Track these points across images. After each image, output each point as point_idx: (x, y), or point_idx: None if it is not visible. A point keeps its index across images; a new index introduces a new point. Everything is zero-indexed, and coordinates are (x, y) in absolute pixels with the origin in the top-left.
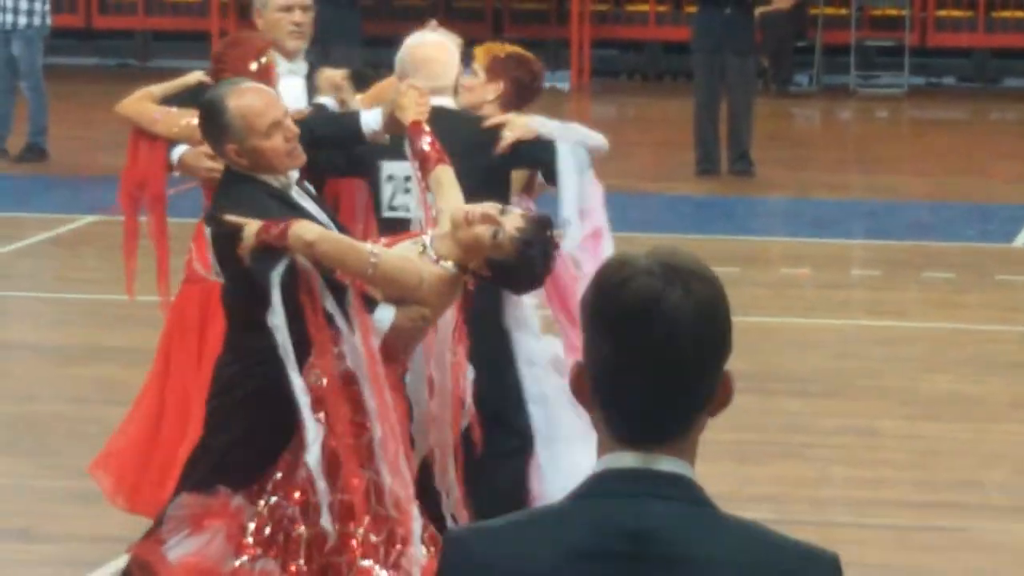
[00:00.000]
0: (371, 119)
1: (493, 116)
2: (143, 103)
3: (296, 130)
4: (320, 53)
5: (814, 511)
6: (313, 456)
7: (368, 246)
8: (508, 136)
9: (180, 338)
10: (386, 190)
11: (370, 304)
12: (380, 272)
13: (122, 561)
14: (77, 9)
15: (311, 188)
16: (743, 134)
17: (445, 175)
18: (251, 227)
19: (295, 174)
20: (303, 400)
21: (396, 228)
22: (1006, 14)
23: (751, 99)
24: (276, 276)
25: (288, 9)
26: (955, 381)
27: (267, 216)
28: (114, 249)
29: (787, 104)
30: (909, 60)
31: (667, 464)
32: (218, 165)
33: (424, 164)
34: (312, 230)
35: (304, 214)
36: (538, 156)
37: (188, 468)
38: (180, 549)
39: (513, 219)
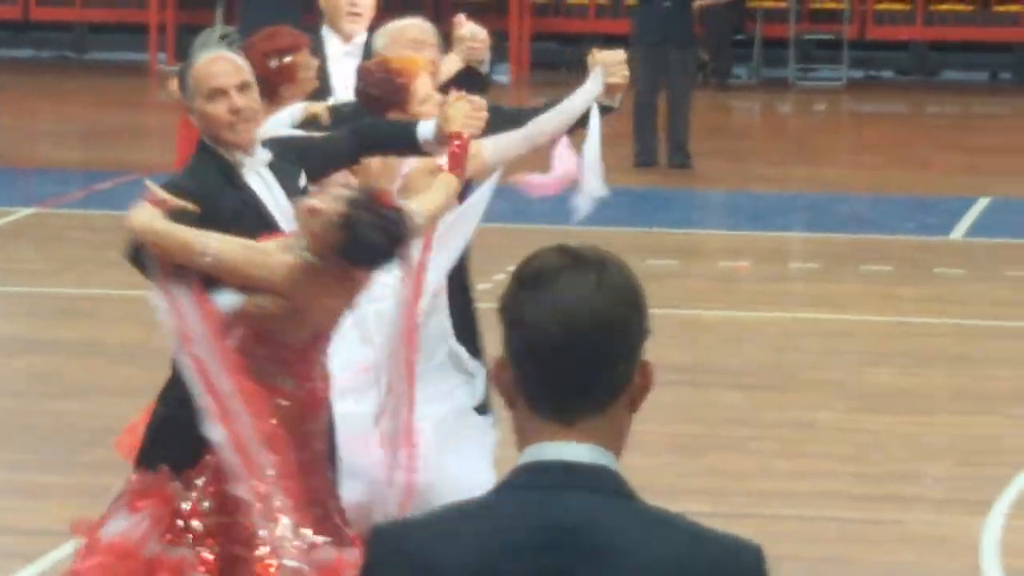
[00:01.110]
0: (426, 129)
1: None
2: None
3: (241, 106)
4: None
5: (753, 504)
6: (217, 436)
7: (208, 237)
8: None
9: None
10: None
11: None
12: (217, 262)
13: (61, 553)
14: (15, 0)
15: (292, 174)
16: (682, 127)
17: (439, 182)
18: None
19: (260, 154)
20: (194, 382)
21: None
22: (944, 7)
23: (690, 92)
24: (139, 256)
25: None
26: (894, 374)
27: (204, 188)
28: (53, 241)
29: (726, 97)
30: (848, 53)
31: (590, 455)
32: None
33: (438, 169)
34: (142, 217)
35: (244, 196)
36: None
37: (141, 441)
38: (112, 528)
39: (333, 201)
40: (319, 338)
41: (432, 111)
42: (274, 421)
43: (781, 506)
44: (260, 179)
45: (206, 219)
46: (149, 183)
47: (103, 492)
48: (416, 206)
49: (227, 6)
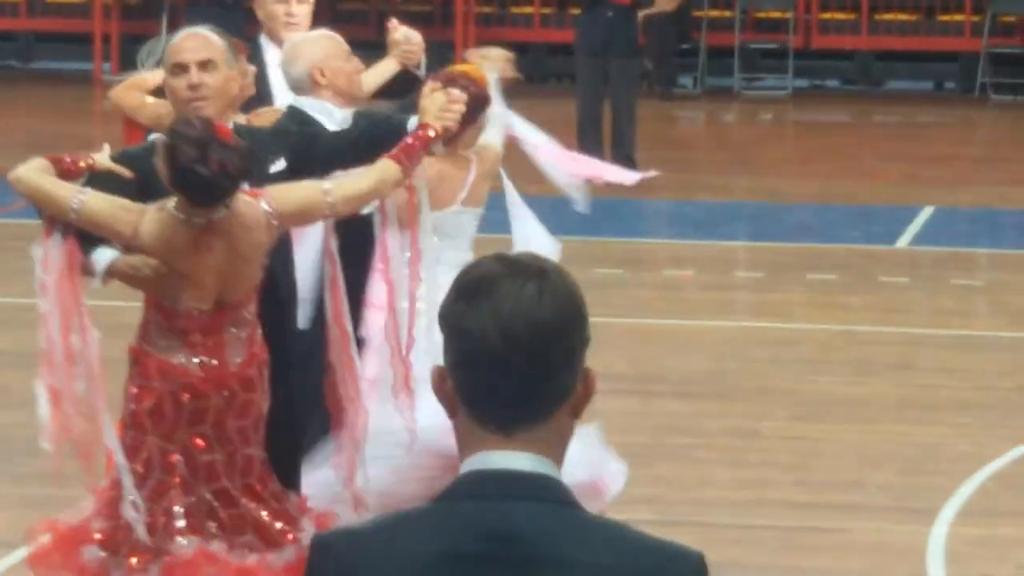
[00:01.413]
0: (414, 123)
1: None
2: (131, 91)
3: (197, 82)
4: None
5: (696, 512)
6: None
7: (82, 193)
8: None
9: None
10: None
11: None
12: (83, 216)
13: (4, 564)
14: None
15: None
16: (627, 136)
17: (375, 166)
18: None
19: None
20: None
21: None
22: (889, 16)
23: (634, 101)
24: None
25: (284, 1)
26: (838, 382)
27: (150, 159)
28: None
29: (671, 107)
30: (793, 62)
31: (533, 464)
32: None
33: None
34: (21, 168)
35: None
36: None
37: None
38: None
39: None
40: (226, 309)
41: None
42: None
43: (724, 514)
44: None
45: (144, 189)
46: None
47: (46, 502)
48: (331, 184)
49: (171, 16)
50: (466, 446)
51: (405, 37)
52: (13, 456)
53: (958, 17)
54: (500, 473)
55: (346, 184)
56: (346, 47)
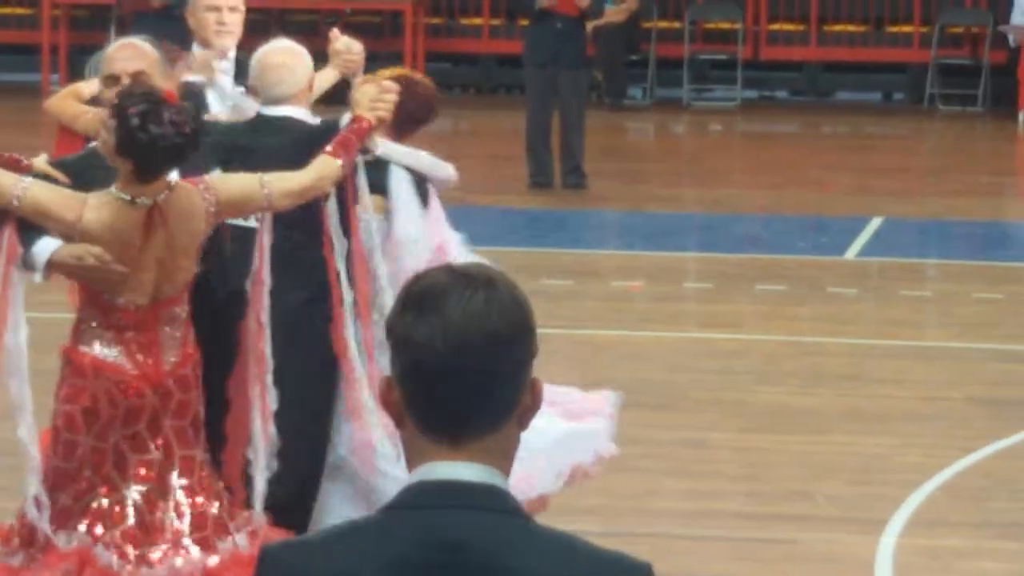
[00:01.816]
0: (345, 120)
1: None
2: (68, 101)
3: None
4: None
5: (645, 523)
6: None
7: (25, 182)
8: None
9: None
10: None
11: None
12: (26, 202)
13: None
14: None
15: (196, 165)
16: (576, 147)
17: (315, 162)
18: None
19: None
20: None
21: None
22: (838, 28)
23: (583, 112)
24: None
25: (215, 9)
26: (787, 393)
27: (84, 165)
28: None
29: (621, 118)
30: (742, 74)
31: (480, 475)
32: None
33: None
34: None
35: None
36: (371, 177)
37: None
38: None
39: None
40: (161, 304)
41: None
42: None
43: (673, 525)
44: None
45: (83, 189)
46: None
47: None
48: (270, 177)
49: (119, 27)
50: (413, 457)
51: (346, 47)
52: None
53: (906, 28)
54: (447, 483)
55: (285, 178)
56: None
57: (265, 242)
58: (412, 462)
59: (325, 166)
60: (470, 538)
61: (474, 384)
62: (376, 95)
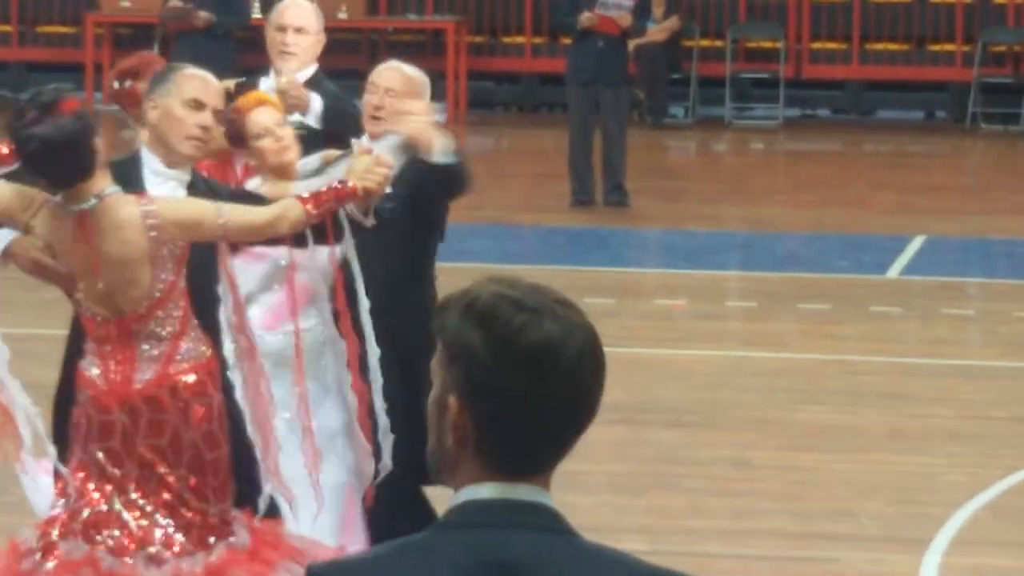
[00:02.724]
0: (310, 163)
1: None
2: None
3: (209, 125)
4: None
5: (688, 542)
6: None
7: None
8: None
9: None
10: None
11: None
12: None
13: None
14: None
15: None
16: (617, 165)
17: (280, 202)
18: None
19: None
20: None
21: None
22: (879, 46)
23: (624, 130)
24: None
25: (282, 30)
26: (829, 412)
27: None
28: None
29: (663, 136)
30: (784, 92)
31: (528, 493)
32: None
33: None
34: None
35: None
36: None
37: None
38: None
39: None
40: (128, 320)
41: (270, 145)
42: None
43: (716, 544)
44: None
45: None
46: None
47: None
48: (229, 207)
49: (163, 45)
50: (463, 478)
51: (289, 86)
52: None
53: (949, 47)
54: (496, 502)
55: (243, 212)
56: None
57: (228, 265)
58: (459, 481)
59: (288, 209)
60: (520, 558)
61: (561, 433)
62: (370, 166)
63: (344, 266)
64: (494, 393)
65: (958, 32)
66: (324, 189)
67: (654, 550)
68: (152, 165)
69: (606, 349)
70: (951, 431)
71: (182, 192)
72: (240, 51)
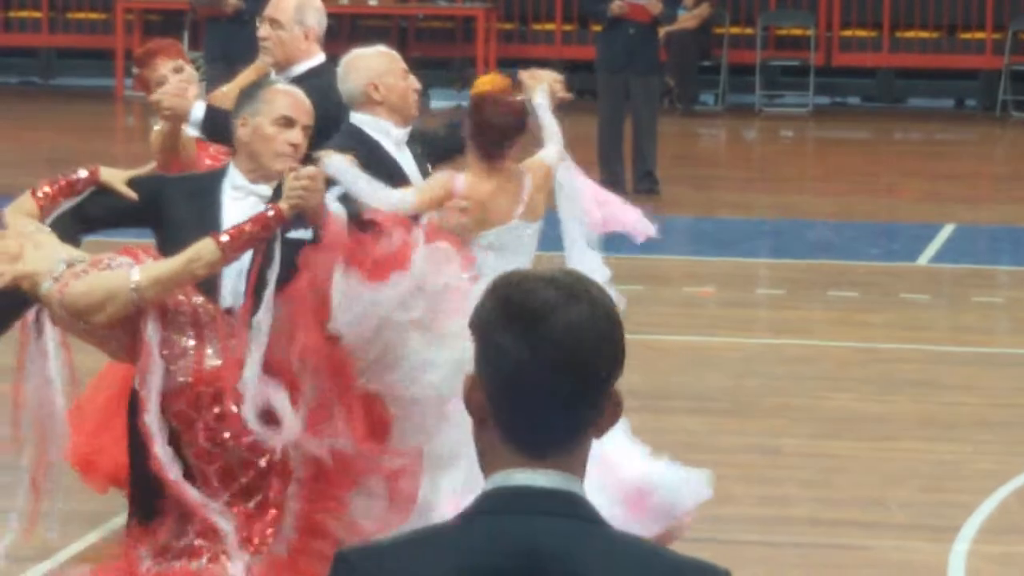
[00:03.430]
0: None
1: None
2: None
3: (299, 142)
4: (225, 69)
5: (717, 529)
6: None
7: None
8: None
9: None
10: None
11: None
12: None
13: None
14: None
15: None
16: (648, 153)
17: (195, 246)
18: None
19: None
20: None
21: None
22: (910, 34)
23: (654, 118)
24: None
25: (262, 20)
26: (859, 399)
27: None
28: None
29: (693, 123)
30: (814, 80)
31: (558, 481)
32: None
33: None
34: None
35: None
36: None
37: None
38: None
39: None
40: (124, 352)
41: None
42: None
43: (744, 532)
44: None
45: (142, 217)
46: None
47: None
48: (139, 273)
49: (193, 32)
50: (491, 461)
51: (162, 96)
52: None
53: (979, 35)
54: (524, 489)
55: (153, 269)
56: (402, 64)
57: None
58: (490, 466)
59: (201, 251)
60: (546, 546)
61: (567, 401)
62: (290, 184)
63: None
64: (494, 357)
65: (988, 20)
66: (244, 222)
67: (682, 537)
68: (235, 180)
69: (635, 336)
70: (980, 419)
71: (261, 207)
72: None
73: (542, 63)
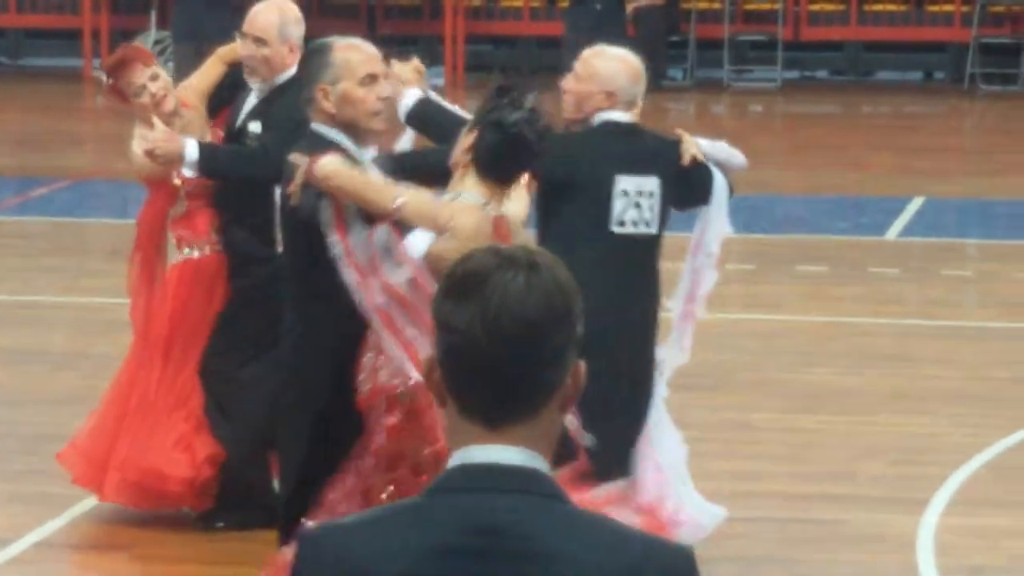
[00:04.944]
0: None
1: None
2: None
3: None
4: (194, 49)
5: None
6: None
7: (391, 185)
8: (690, 152)
9: (160, 317)
10: (617, 205)
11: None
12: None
13: None
14: None
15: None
16: None
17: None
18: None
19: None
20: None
21: (628, 245)
22: (878, 7)
23: None
24: (323, 209)
25: (244, 36)
26: (831, 374)
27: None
28: None
29: (661, 99)
30: (782, 54)
31: (519, 457)
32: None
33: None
34: (328, 165)
35: None
36: (702, 178)
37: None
38: None
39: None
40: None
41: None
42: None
43: (719, 506)
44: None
45: None
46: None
47: (36, 499)
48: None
49: (161, 11)
50: (454, 438)
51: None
52: (5, 453)
53: (947, 7)
54: (487, 467)
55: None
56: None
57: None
58: (452, 443)
59: (386, 194)
60: (509, 522)
61: (512, 369)
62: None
63: None
64: (440, 329)
65: None
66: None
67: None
68: (357, 153)
69: None
70: (951, 392)
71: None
72: (237, 16)
73: (510, 39)
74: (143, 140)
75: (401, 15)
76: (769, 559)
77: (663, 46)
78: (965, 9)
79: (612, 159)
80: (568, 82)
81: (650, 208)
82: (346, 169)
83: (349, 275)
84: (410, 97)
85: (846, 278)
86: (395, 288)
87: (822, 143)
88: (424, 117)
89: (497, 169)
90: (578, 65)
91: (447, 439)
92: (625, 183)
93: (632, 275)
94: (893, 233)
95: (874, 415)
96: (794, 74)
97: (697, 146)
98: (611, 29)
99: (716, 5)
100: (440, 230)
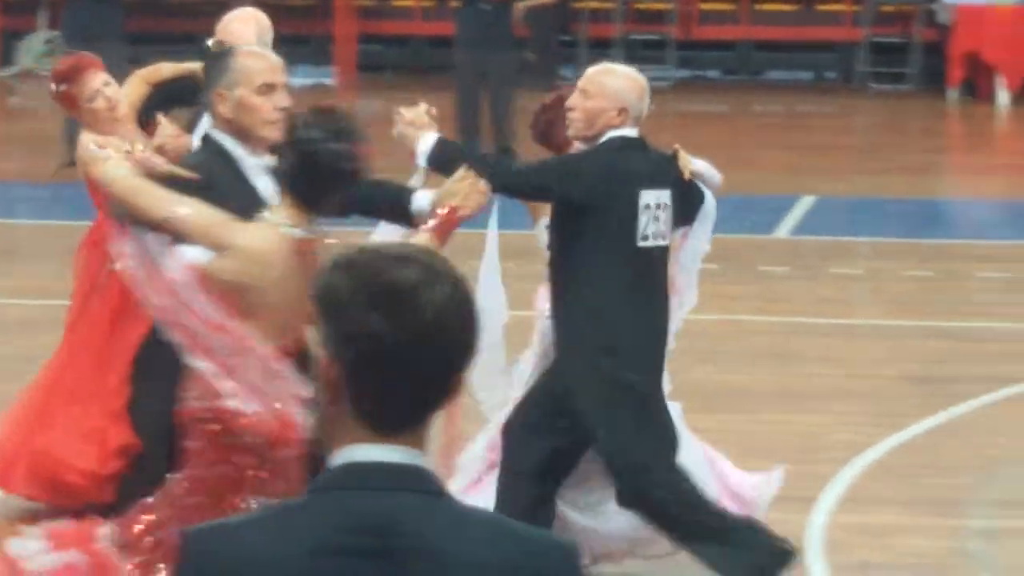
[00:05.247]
0: (423, 200)
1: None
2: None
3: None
4: (85, 49)
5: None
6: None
7: (173, 198)
8: (688, 168)
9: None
10: (642, 220)
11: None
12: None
13: None
14: None
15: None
16: (505, 128)
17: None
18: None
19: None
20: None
21: (651, 259)
22: (769, 7)
23: (511, 94)
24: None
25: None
26: (719, 372)
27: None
28: None
29: None
30: (674, 53)
31: (406, 456)
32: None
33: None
34: (114, 170)
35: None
36: (692, 196)
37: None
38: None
39: None
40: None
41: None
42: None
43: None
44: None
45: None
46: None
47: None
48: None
49: (51, 12)
50: (337, 436)
51: (166, 139)
52: None
53: (837, 7)
54: (372, 465)
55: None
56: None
57: None
58: (334, 441)
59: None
60: (396, 521)
61: (425, 380)
62: (470, 189)
63: None
64: (356, 337)
65: None
66: (448, 217)
67: None
68: (246, 160)
69: (509, 312)
70: (839, 390)
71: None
72: (127, 17)
73: (401, 39)
74: (159, 136)
75: (293, 15)
76: (657, 557)
77: (555, 45)
78: (856, 9)
79: (635, 175)
80: (575, 100)
81: (665, 221)
82: (123, 174)
83: (132, 279)
84: (428, 140)
85: (736, 276)
86: (174, 288)
87: (713, 142)
88: (444, 158)
89: (297, 191)
90: (584, 83)
91: (326, 435)
92: (647, 197)
93: (656, 288)
94: (783, 231)
95: (762, 413)
96: (686, 73)
97: (691, 162)
98: (499, 30)
99: (608, 4)
100: (217, 248)
